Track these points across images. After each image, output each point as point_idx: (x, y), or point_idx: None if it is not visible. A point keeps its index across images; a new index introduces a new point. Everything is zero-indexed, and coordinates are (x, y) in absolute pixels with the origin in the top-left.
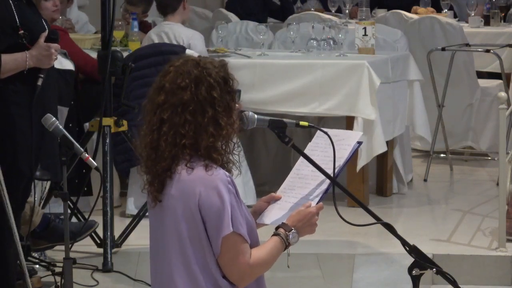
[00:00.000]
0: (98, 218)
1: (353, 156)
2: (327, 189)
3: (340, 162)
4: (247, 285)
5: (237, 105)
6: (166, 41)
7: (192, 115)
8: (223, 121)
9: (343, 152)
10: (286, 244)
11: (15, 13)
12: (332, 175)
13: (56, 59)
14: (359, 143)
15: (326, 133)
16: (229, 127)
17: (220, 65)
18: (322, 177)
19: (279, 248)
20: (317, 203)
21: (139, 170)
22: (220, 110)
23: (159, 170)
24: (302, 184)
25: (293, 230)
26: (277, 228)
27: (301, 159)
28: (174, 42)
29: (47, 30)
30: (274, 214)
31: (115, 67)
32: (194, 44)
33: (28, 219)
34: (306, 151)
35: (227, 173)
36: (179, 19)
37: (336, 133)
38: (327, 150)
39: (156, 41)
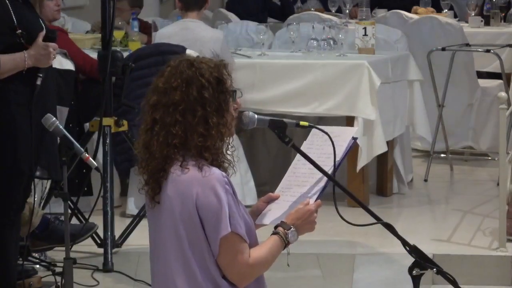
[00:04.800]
0: (98, 218)
1: (352, 155)
2: (325, 186)
3: (336, 159)
4: (247, 285)
5: (234, 105)
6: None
7: (183, 115)
8: (213, 121)
9: (339, 148)
10: (286, 243)
11: (12, 13)
12: (330, 173)
13: (54, 58)
14: (354, 138)
15: (326, 133)
16: (221, 126)
17: (215, 65)
18: (320, 174)
19: (279, 247)
20: (315, 201)
21: (136, 170)
22: (210, 110)
23: (153, 170)
24: (299, 183)
25: (292, 229)
26: (276, 227)
27: (298, 157)
28: (197, 44)
29: (45, 30)
30: (273, 214)
31: (115, 67)
32: (223, 53)
33: (28, 220)
34: (301, 149)
35: (223, 173)
36: (200, 16)
37: (331, 129)
38: (323, 147)
39: (177, 37)
